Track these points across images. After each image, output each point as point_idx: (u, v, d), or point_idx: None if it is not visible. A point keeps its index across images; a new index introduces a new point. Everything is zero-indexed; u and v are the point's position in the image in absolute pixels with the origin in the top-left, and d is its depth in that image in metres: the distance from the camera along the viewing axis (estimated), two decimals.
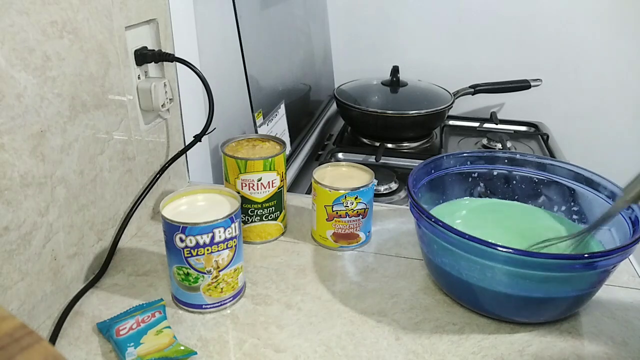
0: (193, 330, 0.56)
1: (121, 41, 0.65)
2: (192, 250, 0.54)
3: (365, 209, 0.68)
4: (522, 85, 1.35)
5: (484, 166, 0.72)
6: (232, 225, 0.55)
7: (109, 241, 0.67)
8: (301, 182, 1.04)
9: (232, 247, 0.56)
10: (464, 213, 0.70)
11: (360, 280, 0.65)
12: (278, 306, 0.60)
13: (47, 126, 0.54)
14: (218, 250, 0.55)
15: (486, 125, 1.37)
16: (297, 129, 1.11)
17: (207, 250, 0.55)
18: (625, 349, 0.54)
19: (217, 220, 0.54)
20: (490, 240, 0.51)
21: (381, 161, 1.10)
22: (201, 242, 0.54)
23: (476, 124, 1.38)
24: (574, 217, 0.68)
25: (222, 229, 0.54)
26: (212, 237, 0.54)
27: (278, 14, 1.06)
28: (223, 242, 0.55)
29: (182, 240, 0.54)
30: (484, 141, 1.24)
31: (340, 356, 0.53)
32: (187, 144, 0.78)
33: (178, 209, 0.57)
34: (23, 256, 0.52)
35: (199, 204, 0.59)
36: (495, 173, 0.72)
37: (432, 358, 0.53)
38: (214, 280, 0.57)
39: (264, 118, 0.89)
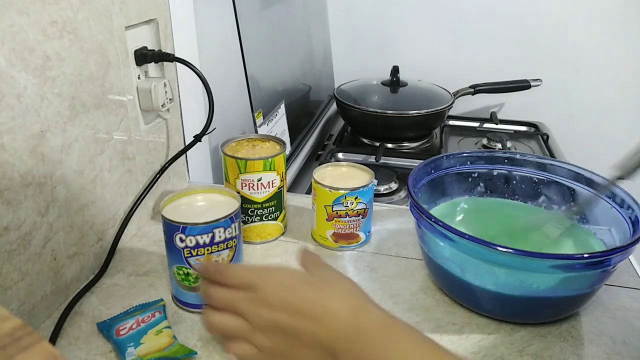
0: (193, 330, 0.56)
1: (121, 41, 0.65)
2: (192, 250, 0.54)
3: (365, 209, 0.68)
4: (522, 85, 1.35)
5: (484, 166, 0.72)
6: (232, 225, 0.55)
7: (109, 241, 0.67)
8: (301, 182, 1.04)
9: (232, 247, 0.56)
10: (464, 213, 0.70)
11: (360, 280, 0.65)
12: None
13: (47, 126, 0.54)
14: (218, 250, 0.55)
15: (486, 125, 1.37)
16: (297, 129, 1.11)
17: (207, 250, 0.55)
18: (625, 349, 0.54)
19: (217, 220, 0.54)
20: (490, 240, 0.51)
21: (381, 161, 1.10)
22: (201, 242, 0.54)
23: (476, 124, 1.38)
24: (574, 216, 0.68)
25: (222, 229, 0.54)
26: (212, 237, 0.54)
27: (278, 14, 1.06)
28: (223, 242, 0.55)
29: (182, 240, 0.54)
30: (484, 141, 1.24)
31: None
32: (187, 144, 0.78)
33: (178, 209, 0.57)
34: (23, 256, 0.52)
35: (199, 204, 0.59)
36: (495, 173, 0.72)
37: None
38: None
39: (264, 118, 0.89)
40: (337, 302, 0.43)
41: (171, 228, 0.54)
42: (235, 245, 0.57)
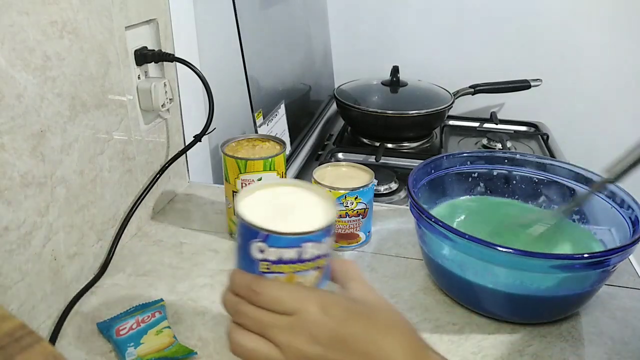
0: (193, 330, 0.56)
1: (121, 41, 0.65)
2: (271, 266, 0.40)
3: (365, 209, 0.68)
4: (522, 85, 1.35)
5: (484, 166, 0.72)
6: (325, 240, 0.41)
7: (109, 241, 0.67)
8: None
9: (321, 267, 0.42)
10: (464, 213, 0.70)
11: None
12: None
13: (47, 126, 0.54)
14: (304, 270, 0.41)
15: (486, 125, 1.37)
16: (297, 129, 1.11)
17: (292, 268, 0.40)
18: (625, 349, 0.54)
19: (310, 232, 0.40)
20: (490, 240, 0.51)
21: (381, 161, 1.10)
22: (286, 257, 0.40)
23: (476, 124, 1.38)
24: (574, 217, 0.68)
25: (312, 244, 0.40)
26: (300, 253, 0.40)
27: (278, 14, 1.06)
28: (311, 260, 0.41)
29: (261, 251, 0.40)
30: (484, 141, 1.24)
31: None
32: (187, 144, 0.78)
33: (258, 207, 0.42)
34: (23, 256, 0.52)
35: (285, 204, 0.44)
36: (495, 173, 0.72)
37: None
38: None
39: (264, 118, 0.89)
40: (393, 341, 0.38)
41: (248, 233, 0.40)
42: (325, 266, 0.42)
